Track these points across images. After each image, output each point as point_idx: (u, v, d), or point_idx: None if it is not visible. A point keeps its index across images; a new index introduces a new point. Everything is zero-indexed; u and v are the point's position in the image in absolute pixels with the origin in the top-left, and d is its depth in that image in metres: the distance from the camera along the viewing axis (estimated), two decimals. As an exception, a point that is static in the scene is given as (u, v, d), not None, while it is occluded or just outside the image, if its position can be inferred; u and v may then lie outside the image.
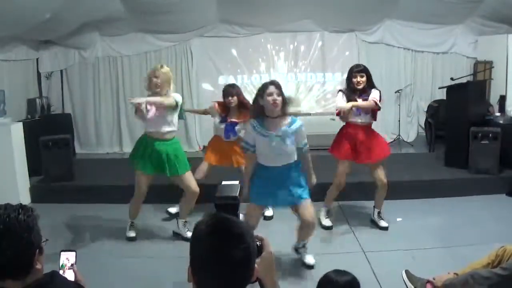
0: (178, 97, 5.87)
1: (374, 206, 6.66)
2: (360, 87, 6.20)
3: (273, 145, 5.04)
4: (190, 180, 6.09)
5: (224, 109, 6.80)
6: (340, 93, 6.36)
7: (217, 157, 6.93)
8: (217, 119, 6.83)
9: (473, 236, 6.15)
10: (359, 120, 6.29)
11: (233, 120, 6.76)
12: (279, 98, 4.98)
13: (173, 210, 7.04)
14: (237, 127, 6.78)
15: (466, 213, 7.06)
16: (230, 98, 6.69)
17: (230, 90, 6.75)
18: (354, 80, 6.20)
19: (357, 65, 6.42)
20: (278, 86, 5.05)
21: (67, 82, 10.82)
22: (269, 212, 7.02)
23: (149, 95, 5.85)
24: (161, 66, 5.88)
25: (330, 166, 6.50)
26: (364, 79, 6.21)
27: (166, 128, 5.90)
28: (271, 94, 4.97)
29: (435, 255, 5.67)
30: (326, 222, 6.71)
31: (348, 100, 6.14)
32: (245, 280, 1.87)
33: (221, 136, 6.85)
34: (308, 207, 5.21)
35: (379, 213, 6.61)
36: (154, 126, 5.88)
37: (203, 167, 6.90)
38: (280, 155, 5.12)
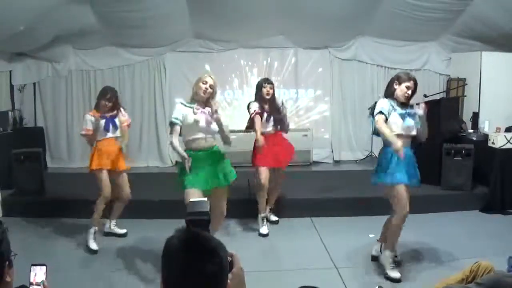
0: None
1: None
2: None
3: None
4: None
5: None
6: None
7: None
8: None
9: (447, 252, 6.18)
10: None
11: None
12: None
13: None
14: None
15: (439, 229, 7.11)
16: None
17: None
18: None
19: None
20: None
21: (39, 95, 10.70)
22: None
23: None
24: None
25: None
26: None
27: None
28: None
29: (408, 271, 5.68)
30: (264, 230, 7.01)
31: None
32: (218, 295, 1.84)
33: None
34: None
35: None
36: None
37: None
38: None
